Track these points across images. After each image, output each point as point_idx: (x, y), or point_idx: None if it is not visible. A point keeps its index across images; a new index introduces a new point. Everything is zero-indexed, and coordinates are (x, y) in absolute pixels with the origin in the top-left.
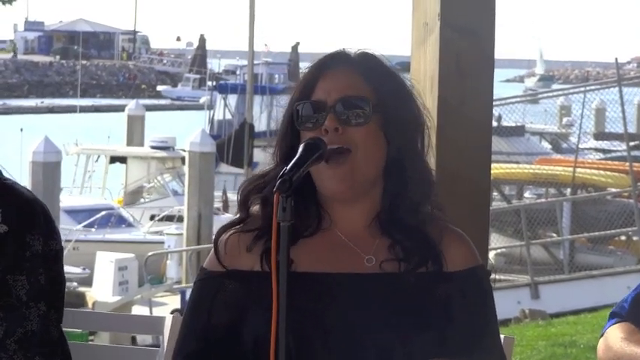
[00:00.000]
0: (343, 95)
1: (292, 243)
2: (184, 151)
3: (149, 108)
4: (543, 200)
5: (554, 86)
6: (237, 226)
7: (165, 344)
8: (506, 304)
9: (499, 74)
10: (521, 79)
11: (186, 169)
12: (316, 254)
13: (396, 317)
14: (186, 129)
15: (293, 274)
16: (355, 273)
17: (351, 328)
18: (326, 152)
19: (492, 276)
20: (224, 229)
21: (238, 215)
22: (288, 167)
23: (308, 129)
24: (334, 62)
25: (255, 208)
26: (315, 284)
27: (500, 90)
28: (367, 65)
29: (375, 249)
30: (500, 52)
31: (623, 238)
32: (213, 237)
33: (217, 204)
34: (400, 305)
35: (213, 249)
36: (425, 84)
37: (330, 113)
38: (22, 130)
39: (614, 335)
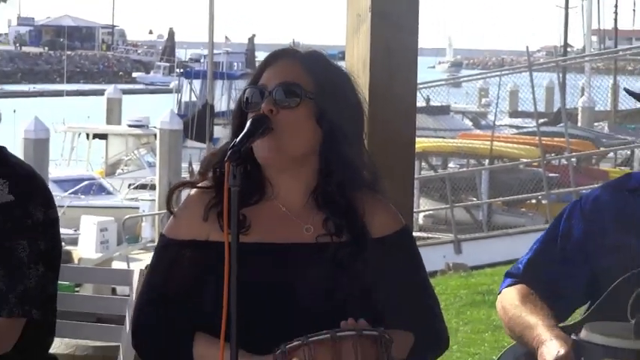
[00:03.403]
0: (281, 82)
1: (244, 205)
2: (156, 128)
3: (125, 92)
4: (465, 169)
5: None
6: (193, 186)
7: (134, 294)
8: (433, 258)
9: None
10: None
11: (157, 144)
12: (263, 224)
13: (332, 282)
14: (158, 110)
15: (243, 245)
16: (296, 243)
17: (293, 293)
18: (270, 127)
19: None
20: (176, 186)
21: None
22: (237, 139)
23: (251, 109)
24: (282, 54)
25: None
26: (260, 253)
27: (427, 75)
28: (310, 60)
29: (312, 222)
30: (424, 43)
31: (533, 201)
32: (167, 196)
33: (184, 174)
34: (335, 271)
35: (172, 216)
36: (358, 67)
37: (269, 97)
38: (15, 111)
39: (510, 297)
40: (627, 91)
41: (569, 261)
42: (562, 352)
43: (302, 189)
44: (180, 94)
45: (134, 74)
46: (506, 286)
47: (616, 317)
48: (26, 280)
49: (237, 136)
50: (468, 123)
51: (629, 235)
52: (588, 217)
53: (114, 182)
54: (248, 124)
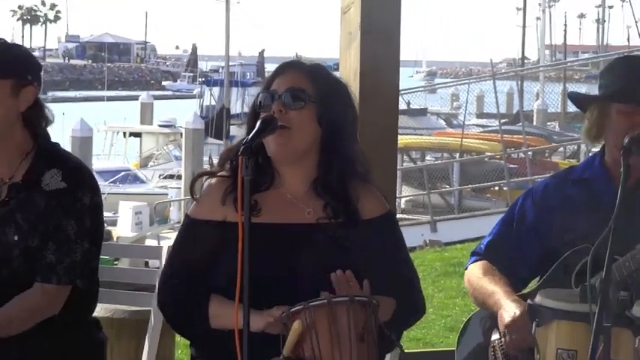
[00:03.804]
0: (289, 87)
1: (255, 191)
2: (182, 128)
3: (156, 97)
4: (439, 162)
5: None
6: (213, 175)
7: (161, 267)
8: (412, 236)
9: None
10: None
11: (183, 141)
12: (271, 207)
13: (329, 255)
14: (183, 112)
15: (254, 225)
16: (299, 223)
17: (296, 264)
18: (276, 126)
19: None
20: (199, 175)
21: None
22: (249, 136)
23: (263, 111)
24: (290, 65)
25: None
26: (270, 232)
27: (407, 83)
28: (314, 70)
29: (312, 206)
30: (404, 56)
31: (496, 188)
32: (190, 184)
33: (205, 166)
34: (332, 247)
35: (195, 201)
36: (350, 76)
37: (278, 100)
38: (63, 114)
39: (474, 272)
40: (569, 96)
41: (523, 241)
42: (518, 312)
43: (304, 178)
44: (201, 99)
45: (163, 83)
46: (471, 263)
47: (563, 286)
48: (73, 254)
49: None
50: (442, 123)
51: (573, 218)
52: (539, 204)
53: (146, 173)
54: (258, 123)
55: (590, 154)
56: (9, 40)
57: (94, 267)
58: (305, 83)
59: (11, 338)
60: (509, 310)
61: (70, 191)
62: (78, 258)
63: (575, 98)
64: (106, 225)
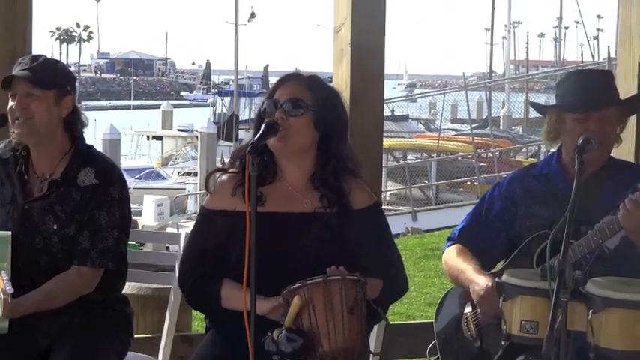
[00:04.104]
0: (289, 97)
1: (260, 185)
2: (198, 132)
3: (175, 106)
4: (419, 160)
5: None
6: (224, 172)
7: (180, 251)
8: (396, 224)
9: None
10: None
11: (198, 143)
12: (274, 199)
13: (325, 240)
14: (199, 119)
15: (260, 213)
16: (298, 212)
17: (297, 247)
18: (278, 130)
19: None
20: (212, 172)
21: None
22: (255, 138)
23: (267, 117)
24: (291, 77)
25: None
26: (273, 220)
27: (391, 93)
28: (311, 82)
29: (310, 198)
30: (388, 70)
31: (468, 183)
32: (205, 179)
33: (218, 164)
34: (327, 233)
35: (209, 194)
36: (342, 87)
37: (280, 108)
38: (95, 120)
39: (449, 254)
40: (531, 105)
41: (491, 227)
42: (489, 284)
43: (303, 174)
44: (214, 107)
45: (181, 93)
46: (447, 247)
47: (526, 266)
48: (105, 240)
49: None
50: (421, 127)
51: (534, 207)
52: (504, 196)
53: (167, 171)
54: (263, 127)
55: (549, 154)
56: (49, 57)
57: (123, 251)
58: (303, 93)
59: (47, 314)
60: (480, 283)
61: (101, 187)
62: (109, 244)
63: (537, 107)
64: (132, 215)
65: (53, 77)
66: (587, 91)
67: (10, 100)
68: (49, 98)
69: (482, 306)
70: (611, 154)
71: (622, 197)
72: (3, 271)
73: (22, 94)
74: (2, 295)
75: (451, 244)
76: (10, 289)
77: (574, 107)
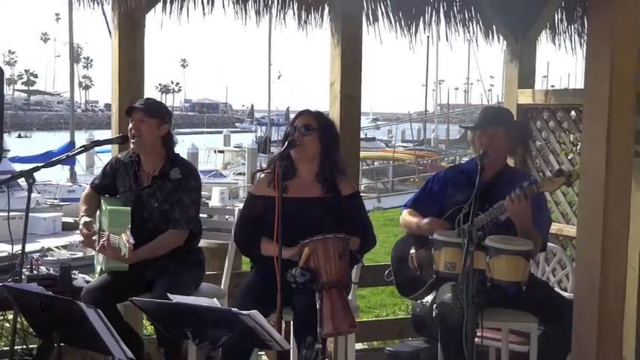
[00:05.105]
0: (303, 124)
1: (285, 180)
2: (246, 148)
3: (232, 132)
4: (382, 165)
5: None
6: (263, 172)
7: (235, 220)
8: (368, 205)
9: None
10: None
11: (246, 155)
12: (294, 189)
13: (325, 213)
14: (246, 140)
15: (285, 198)
16: (310, 197)
17: (309, 219)
18: (296, 145)
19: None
20: (255, 172)
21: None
22: (281, 150)
23: (290, 137)
24: (304, 112)
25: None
26: (293, 202)
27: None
28: (317, 114)
29: (316, 188)
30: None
31: (412, 179)
32: (250, 177)
33: (258, 167)
34: (327, 209)
35: (253, 184)
36: (335, 119)
37: (298, 131)
38: (183, 140)
39: (405, 215)
40: (461, 126)
41: (431, 200)
42: (430, 219)
43: (312, 173)
44: (256, 133)
45: (236, 124)
46: (404, 210)
47: (449, 228)
48: (188, 212)
49: (281, 150)
50: (383, 145)
51: (457, 191)
52: (441, 181)
53: (226, 172)
54: (286, 143)
55: (471, 157)
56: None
57: (199, 220)
58: (312, 121)
59: (152, 260)
60: (425, 220)
61: (185, 179)
62: (191, 214)
63: (464, 127)
64: (204, 199)
65: (157, 110)
66: (483, 117)
67: (129, 124)
68: (154, 124)
69: (430, 228)
70: (508, 163)
71: (511, 191)
72: (128, 231)
73: (136, 120)
74: (128, 245)
75: (406, 209)
76: (132, 241)
77: (474, 126)
